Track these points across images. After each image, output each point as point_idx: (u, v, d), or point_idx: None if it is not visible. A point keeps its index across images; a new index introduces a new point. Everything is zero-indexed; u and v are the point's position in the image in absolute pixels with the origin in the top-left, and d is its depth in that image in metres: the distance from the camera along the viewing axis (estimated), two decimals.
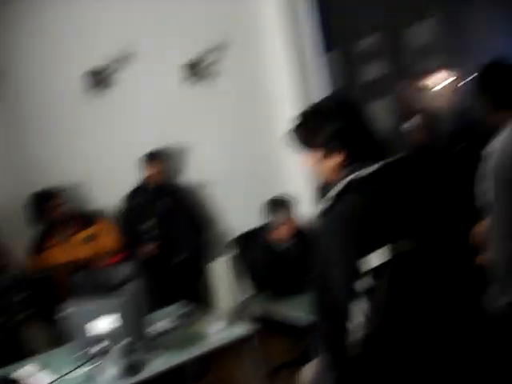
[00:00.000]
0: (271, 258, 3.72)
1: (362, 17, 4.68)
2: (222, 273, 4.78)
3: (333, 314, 1.54)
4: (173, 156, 4.51)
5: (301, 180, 5.05)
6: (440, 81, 4.26)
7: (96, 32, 4.36)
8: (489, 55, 3.77)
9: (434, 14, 4.07)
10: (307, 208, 4.82)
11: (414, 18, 4.26)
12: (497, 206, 1.94)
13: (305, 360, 1.87)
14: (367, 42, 4.71)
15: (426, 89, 4.37)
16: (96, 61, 4.31)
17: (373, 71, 4.71)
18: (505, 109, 2.03)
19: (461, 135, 4.18)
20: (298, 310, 3.20)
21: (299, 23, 4.98)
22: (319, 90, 5.01)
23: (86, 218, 4.11)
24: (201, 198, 4.77)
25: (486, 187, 1.97)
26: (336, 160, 1.65)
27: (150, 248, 4.11)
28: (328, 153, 1.65)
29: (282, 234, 3.76)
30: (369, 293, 1.50)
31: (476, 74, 2.21)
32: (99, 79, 4.29)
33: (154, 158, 4.38)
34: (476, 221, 1.75)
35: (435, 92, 4.31)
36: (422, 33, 4.24)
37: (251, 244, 3.90)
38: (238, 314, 4.66)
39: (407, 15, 4.27)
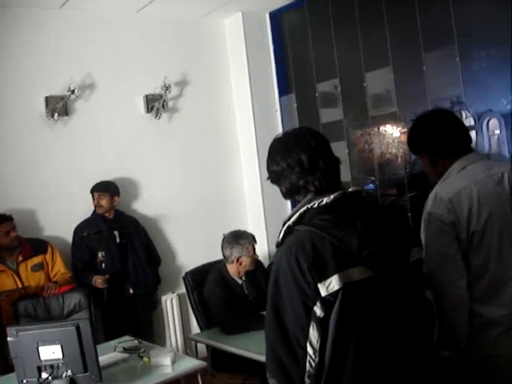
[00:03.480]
0: (229, 293, 3.65)
1: (320, 63, 4.82)
2: (172, 308, 4.74)
3: (287, 349, 1.51)
4: (128, 188, 4.47)
5: (258, 218, 5.09)
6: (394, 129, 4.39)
7: (58, 59, 4.37)
8: (445, 103, 3.93)
9: (390, 62, 4.20)
10: (264, 246, 4.88)
11: (371, 65, 4.38)
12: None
13: None
14: (324, 87, 4.83)
15: (380, 136, 4.49)
16: (57, 88, 4.30)
17: (329, 115, 4.81)
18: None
19: (411, 184, 4.29)
20: (249, 347, 3.17)
21: (260, 65, 5.13)
22: (279, 129, 5.12)
23: (37, 246, 4.02)
24: (155, 232, 4.73)
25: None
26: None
27: (101, 279, 4.04)
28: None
29: (240, 268, 3.72)
30: (319, 323, 1.49)
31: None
32: (59, 106, 4.27)
33: (106, 189, 4.33)
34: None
35: (389, 139, 4.44)
36: (378, 80, 4.37)
37: (204, 279, 3.86)
38: (186, 350, 4.62)
39: (364, 63, 4.41)
